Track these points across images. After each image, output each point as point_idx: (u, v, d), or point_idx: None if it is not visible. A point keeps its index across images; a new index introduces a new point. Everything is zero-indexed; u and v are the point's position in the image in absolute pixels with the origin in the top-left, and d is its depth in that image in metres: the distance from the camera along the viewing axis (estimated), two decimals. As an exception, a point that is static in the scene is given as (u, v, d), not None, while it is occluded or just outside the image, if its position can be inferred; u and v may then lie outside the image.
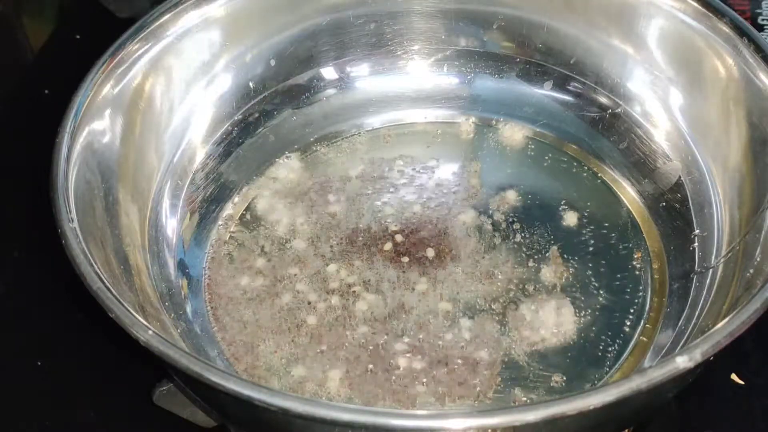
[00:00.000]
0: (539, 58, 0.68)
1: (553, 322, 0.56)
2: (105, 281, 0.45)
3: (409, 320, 0.56)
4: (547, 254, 0.59)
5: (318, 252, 0.60)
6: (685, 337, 0.53)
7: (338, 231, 0.61)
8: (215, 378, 0.40)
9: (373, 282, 0.58)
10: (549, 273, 0.58)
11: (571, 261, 0.59)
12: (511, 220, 0.62)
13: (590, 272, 0.58)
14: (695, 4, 0.59)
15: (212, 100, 0.65)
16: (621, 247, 0.60)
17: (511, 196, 0.63)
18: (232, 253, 0.60)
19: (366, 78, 0.70)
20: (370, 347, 0.55)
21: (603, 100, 0.66)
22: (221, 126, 0.65)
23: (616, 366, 0.54)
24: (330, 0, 0.67)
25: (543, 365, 0.54)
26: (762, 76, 0.55)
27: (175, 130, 0.62)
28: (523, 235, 0.61)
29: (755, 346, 0.58)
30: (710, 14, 0.59)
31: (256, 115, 0.67)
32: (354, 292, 0.58)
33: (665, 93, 0.63)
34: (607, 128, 0.66)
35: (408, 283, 0.58)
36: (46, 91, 0.76)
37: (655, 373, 0.40)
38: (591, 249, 0.60)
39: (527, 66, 0.69)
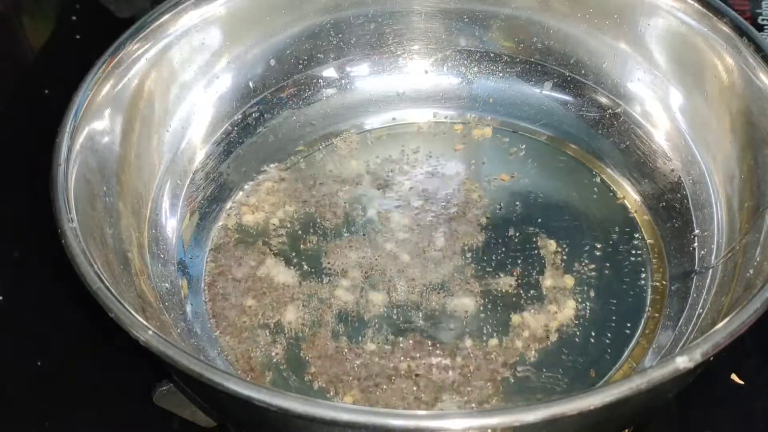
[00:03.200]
0: (539, 58, 0.68)
1: (553, 322, 0.56)
2: (105, 281, 0.45)
3: (410, 320, 0.56)
4: (547, 254, 0.59)
5: (318, 251, 0.60)
6: (685, 337, 0.53)
7: (338, 231, 0.61)
8: (215, 378, 0.40)
9: (374, 282, 0.58)
10: (549, 273, 0.58)
11: (571, 261, 0.59)
12: (510, 219, 0.62)
13: (590, 272, 0.58)
14: (695, 4, 0.59)
15: (212, 100, 0.65)
16: (621, 247, 0.60)
17: (511, 196, 0.63)
18: (232, 253, 0.60)
19: (366, 78, 0.70)
20: (372, 348, 0.55)
21: (603, 100, 0.66)
22: (221, 126, 0.65)
23: (616, 366, 0.54)
24: (330, 0, 0.67)
25: (543, 365, 0.54)
26: (762, 76, 0.55)
27: (175, 130, 0.62)
28: (522, 235, 0.61)
29: (755, 346, 0.58)
30: (710, 14, 0.59)
31: (256, 115, 0.67)
32: (355, 291, 0.58)
33: (665, 93, 0.63)
34: (607, 128, 0.66)
35: (410, 282, 0.58)
36: (46, 91, 0.76)
37: (655, 373, 0.40)
38: (591, 249, 0.60)
39: (527, 66, 0.69)
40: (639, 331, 0.55)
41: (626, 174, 0.64)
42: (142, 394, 0.54)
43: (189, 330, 0.55)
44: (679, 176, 0.62)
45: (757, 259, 0.50)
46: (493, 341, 0.55)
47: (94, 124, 0.55)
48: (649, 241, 0.60)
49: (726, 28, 0.58)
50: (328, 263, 0.59)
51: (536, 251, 0.60)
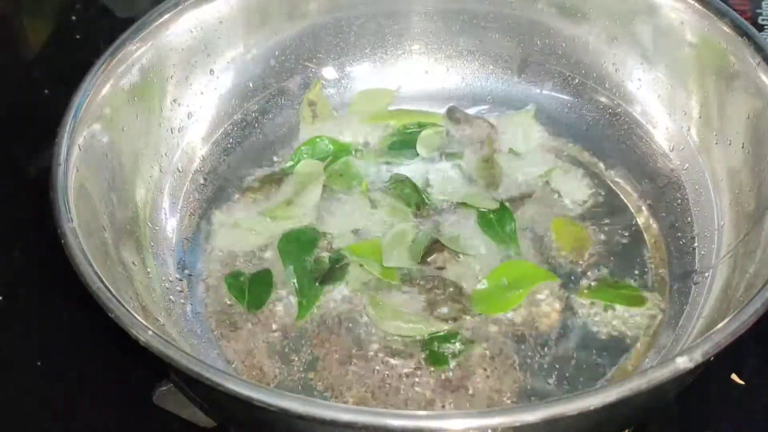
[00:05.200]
0: (539, 58, 0.68)
1: (554, 322, 0.56)
2: (105, 281, 0.45)
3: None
4: (546, 254, 0.59)
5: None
6: (685, 337, 0.53)
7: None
8: (215, 378, 0.40)
9: (378, 280, 0.58)
10: (549, 273, 0.58)
11: (571, 260, 0.59)
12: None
13: (590, 272, 0.58)
14: (695, 4, 0.59)
15: (212, 100, 0.65)
16: (621, 247, 0.60)
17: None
18: (232, 253, 0.60)
19: (366, 78, 0.70)
20: (376, 349, 0.55)
21: (603, 100, 0.66)
22: (221, 126, 0.65)
23: (617, 366, 0.54)
24: (330, 0, 0.67)
25: (543, 365, 0.54)
26: (762, 76, 0.55)
27: (175, 130, 0.62)
28: (522, 235, 0.61)
29: (755, 346, 0.58)
30: (710, 14, 0.59)
31: (256, 115, 0.67)
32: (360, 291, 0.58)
33: (665, 93, 0.63)
34: (607, 128, 0.66)
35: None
36: (46, 91, 0.76)
37: (655, 373, 0.40)
38: (591, 249, 0.60)
39: (527, 66, 0.69)
40: (639, 332, 0.55)
41: (626, 174, 0.64)
42: (142, 394, 0.54)
43: (189, 330, 0.55)
44: (679, 176, 0.62)
45: (758, 259, 0.50)
46: (491, 341, 0.55)
47: (94, 124, 0.55)
48: (649, 240, 0.60)
49: (726, 28, 0.58)
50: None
51: (536, 251, 0.60)
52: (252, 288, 0.57)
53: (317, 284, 0.57)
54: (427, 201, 0.62)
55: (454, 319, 0.55)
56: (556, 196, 0.63)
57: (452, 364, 0.53)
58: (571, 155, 0.66)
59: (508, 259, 0.59)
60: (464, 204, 0.62)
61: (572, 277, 0.58)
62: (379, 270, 0.58)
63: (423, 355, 0.54)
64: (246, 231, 0.61)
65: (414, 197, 0.62)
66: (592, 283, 0.57)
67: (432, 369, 0.53)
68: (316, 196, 0.62)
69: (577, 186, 0.63)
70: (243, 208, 0.63)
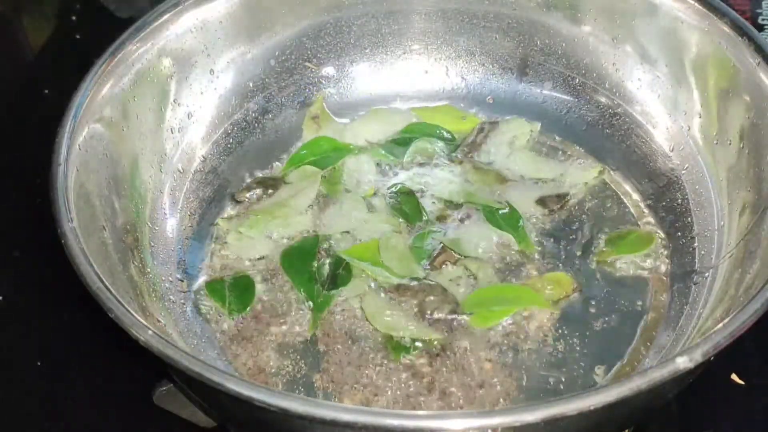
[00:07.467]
0: (539, 58, 0.68)
1: (553, 322, 0.56)
2: (105, 281, 0.45)
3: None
4: (547, 254, 0.59)
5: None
6: (685, 337, 0.53)
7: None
8: (215, 378, 0.40)
9: (380, 280, 0.58)
10: (549, 273, 0.58)
11: (571, 261, 0.59)
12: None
13: (590, 272, 0.58)
14: (695, 4, 0.59)
15: (212, 100, 0.65)
16: (621, 247, 0.60)
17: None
18: (232, 253, 0.60)
19: (366, 78, 0.70)
20: (372, 346, 0.55)
21: (603, 100, 0.66)
22: (221, 126, 0.65)
23: (617, 366, 0.54)
24: (330, 0, 0.67)
25: (544, 365, 0.54)
26: (762, 76, 0.55)
27: (175, 129, 0.62)
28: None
29: (755, 346, 0.58)
30: (710, 14, 0.59)
31: (256, 115, 0.67)
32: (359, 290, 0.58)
33: (665, 93, 0.63)
34: (607, 128, 0.66)
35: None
36: (46, 91, 0.76)
37: (655, 373, 0.40)
38: (591, 249, 0.60)
39: (527, 66, 0.69)
40: (639, 331, 0.55)
41: (626, 174, 0.64)
42: (142, 394, 0.54)
43: (189, 330, 0.55)
44: (679, 176, 0.62)
45: (758, 259, 0.50)
46: (491, 342, 0.55)
47: (93, 124, 0.55)
48: (649, 240, 0.60)
49: (726, 28, 0.58)
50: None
51: (536, 251, 0.60)
52: (232, 293, 0.57)
53: (325, 291, 0.57)
54: (425, 217, 0.61)
55: (447, 324, 0.55)
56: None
57: (410, 354, 0.54)
58: (571, 155, 0.66)
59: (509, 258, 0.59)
60: (470, 203, 0.62)
61: (573, 279, 0.58)
62: (377, 272, 0.58)
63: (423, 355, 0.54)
64: (246, 231, 0.61)
65: (414, 214, 0.61)
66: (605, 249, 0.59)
67: (402, 361, 0.53)
68: (309, 198, 0.62)
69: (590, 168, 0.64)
70: (242, 210, 0.63)
